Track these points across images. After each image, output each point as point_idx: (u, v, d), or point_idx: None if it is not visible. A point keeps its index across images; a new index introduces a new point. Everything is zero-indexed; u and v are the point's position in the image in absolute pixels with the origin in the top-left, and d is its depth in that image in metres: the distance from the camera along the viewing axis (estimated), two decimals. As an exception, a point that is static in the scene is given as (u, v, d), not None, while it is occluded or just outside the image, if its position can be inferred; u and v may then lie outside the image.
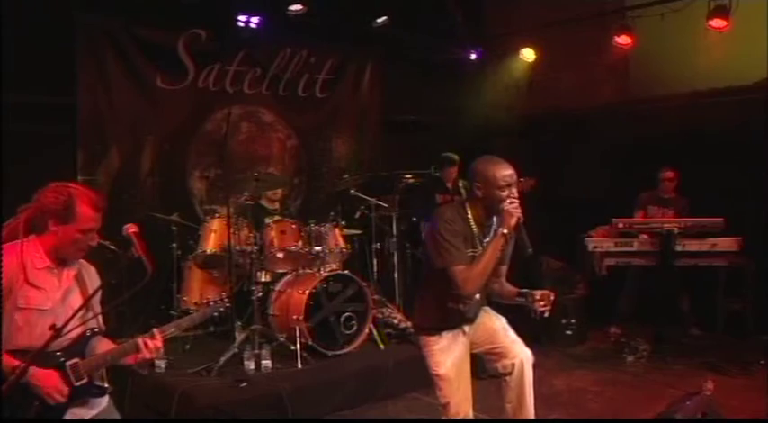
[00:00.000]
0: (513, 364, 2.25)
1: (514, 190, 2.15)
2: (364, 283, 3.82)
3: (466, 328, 2.31)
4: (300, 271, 3.88)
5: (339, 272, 3.81)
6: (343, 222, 4.18)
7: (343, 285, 3.71)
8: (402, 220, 4.60)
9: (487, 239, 2.19)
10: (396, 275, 4.40)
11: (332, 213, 4.16)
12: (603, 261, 4.23)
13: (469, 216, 2.20)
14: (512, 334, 2.31)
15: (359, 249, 4.52)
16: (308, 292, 3.57)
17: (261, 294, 3.69)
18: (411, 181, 4.75)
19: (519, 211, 2.12)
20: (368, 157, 5.50)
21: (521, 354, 2.27)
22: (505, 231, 2.12)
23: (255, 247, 3.68)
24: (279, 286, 3.81)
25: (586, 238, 4.31)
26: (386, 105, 5.58)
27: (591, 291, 4.62)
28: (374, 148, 5.53)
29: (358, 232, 4.49)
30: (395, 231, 4.55)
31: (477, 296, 2.29)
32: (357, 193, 4.50)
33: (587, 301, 4.60)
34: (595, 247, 4.25)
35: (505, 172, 2.16)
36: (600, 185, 5.10)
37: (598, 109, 5.17)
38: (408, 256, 4.63)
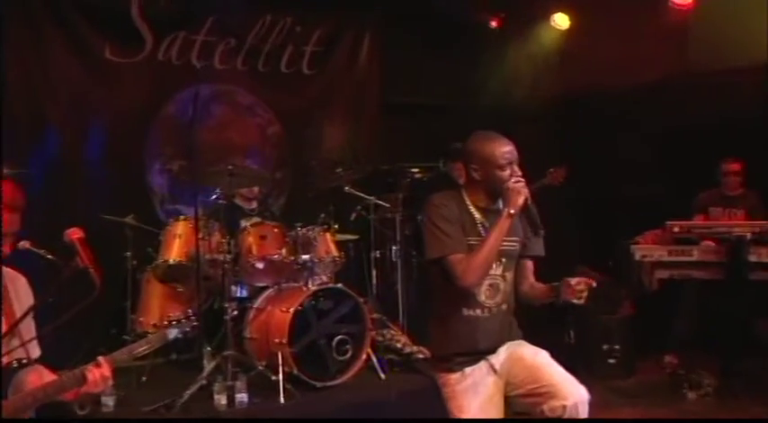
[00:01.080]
0: (564, 407, 2.19)
1: (516, 168, 2.23)
2: (361, 299, 3.82)
3: (495, 363, 2.30)
4: (284, 284, 3.90)
5: (331, 285, 3.84)
6: (335, 226, 4.20)
7: (336, 302, 3.74)
8: (407, 222, 4.62)
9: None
10: (399, 289, 4.43)
11: (322, 215, 4.19)
12: (654, 273, 4.21)
13: (468, 202, 2.28)
14: (560, 369, 2.29)
15: (355, 258, 4.58)
16: (292, 310, 3.58)
17: (235, 313, 3.71)
18: (417, 176, 4.79)
19: (525, 188, 2.20)
20: (365, 146, 5.53)
21: (574, 394, 2.21)
22: (512, 211, 2.18)
23: (229, 256, 3.69)
24: (257, 303, 3.83)
25: (632, 246, 4.29)
26: (387, 84, 5.61)
27: (638, 310, 4.58)
28: (373, 137, 5.56)
29: (354, 238, 4.54)
30: (398, 236, 4.57)
31: (502, 304, 2.30)
32: (353, 191, 4.51)
33: (634, 322, 4.56)
34: (644, 257, 4.22)
35: (504, 148, 2.24)
36: (649, 181, 5.07)
37: (647, 87, 5.12)
38: (415, 265, 4.62)
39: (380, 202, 4.60)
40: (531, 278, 2.40)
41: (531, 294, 2.37)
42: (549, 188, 4.58)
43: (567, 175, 4.52)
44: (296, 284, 3.88)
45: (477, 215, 2.28)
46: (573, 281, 2.17)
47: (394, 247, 4.59)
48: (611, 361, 4.46)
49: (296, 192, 5.24)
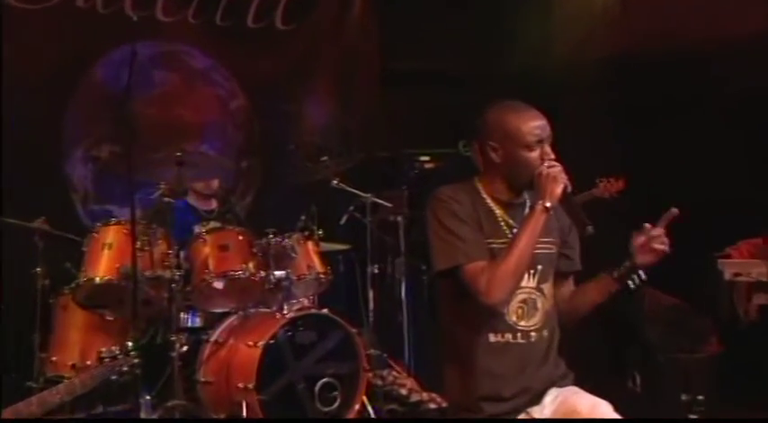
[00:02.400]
0: None
1: (549, 149, 2.27)
2: (354, 330, 3.84)
3: (537, 416, 2.31)
4: (251, 310, 3.93)
5: (314, 311, 3.88)
6: (320, 232, 4.22)
7: (320, 333, 3.76)
8: (414, 226, 4.64)
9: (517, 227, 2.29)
10: (405, 316, 4.48)
11: (302, 217, 4.23)
12: (752, 298, 4.21)
13: (484, 195, 2.32)
14: None
15: (346, 275, 4.63)
16: (262, 344, 3.59)
17: (185, 349, 3.73)
18: (428, 165, 4.86)
19: (563, 174, 2.23)
20: (359, 127, 5.58)
21: None
22: (548, 204, 2.20)
23: (178, 273, 3.71)
24: (216, 335, 3.84)
25: (721, 261, 4.30)
26: (387, 45, 5.68)
27: (729, 347, 4.54)
28: (369, 114, 5.60)
29: (344, 247, 4.59)
30: (403, 246, 4.63)
31: (543, 329, 2.33)
32: (342, 186, 4.55)
33: (723, 364, 4.51)
34: (737, 275, 4.22)
35: (534, 122, 2.27)
36: (740, 175, 5.04)
37: (738, 47, 5.07)
38: (425, 284, 4.68)
39: (379, 201, 4.63)
40: (572, 286, 2.45)
41: (578, 302, 2.41)
42: (598, 201, 4.62)
43: (624, 188, 4.55)
44: (267, 310, 3.92)
45: (497, 211, 2.32)
46: (647, 230, 2.24)
47: (397, 260, 4.66)
48: (694, 416, 4.42)
49: (268, 187, 5.27)
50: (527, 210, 2.31)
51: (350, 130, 5.54)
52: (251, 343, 3.61)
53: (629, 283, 2.30)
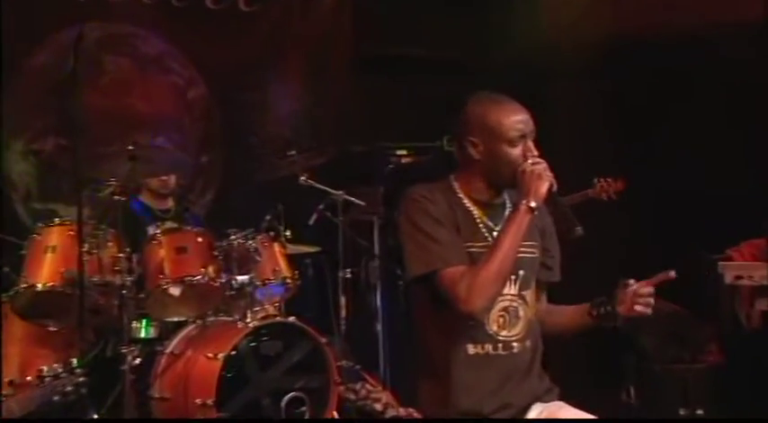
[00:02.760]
0: None
1: (531, 144, 2.29)
2: (323, 340, 3.85)
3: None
4: (210, 319, 3.93)
5: (280, 320, 3.87)
6: (287, 232, 4.24)
7: (287, 343, 3.76)
8: (390, 227, 4.64)
9: (498, 229, 2.31)
10: (380, 325, 4.47)
11: (267, 217, 4.23)
12: (755, 303, 4.21)
13: (461, 194, 2.34)
14: None
15: (315, 280, 4.66)
16: (222, 355, 3.59)
17: (138, 362, 3.72)
18: (406, 160, 4.78)
19: (548, 172, 2.24)
20: (331, 118, 5.57)
21: None
22: (532, 203, 2.22)
23: (129, 278, 3.71)
24: (172, 346, 3.83)
25: (721, 263, 4.29)
26: (362, 29, 5.64)
27: (730, 357, 4.58)
28: (341, 104, 5.59)
29: (313, 250, 4.60)
30: (377, 247, 4.61)
31: (525, 339, 2.34)
32: (312, 182, 4.56)
33: (724, 375, 4.54)
34: (738, 279, 4.21)
35: (516, 116, 2.29)
36: (742, 171, 5.08)
37: (745, 27, 5.11)
38: (402, 289, 4.61)
39: (352, 199, 4.63)
40: (545, 301, 2.47)
41: (553, 323, 2.43)
42: (593, 202, 4.65)
43: (623, 189, 4.57)
44: (228, 319, 3.92)
45: (476, 212, 2.33)
46: (636, 286, 2.24)
47: (372, 264, 4.64)
48: (692, 430, 4.50)
49: (229, 184, 5.26)
50: (507, 211, 2.33)
51: (320, 121, 5.53)
52: (210, 354, 3.61)
53: (606, 324, 2.31)
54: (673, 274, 2.23)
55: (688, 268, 4.52)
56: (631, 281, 2.25)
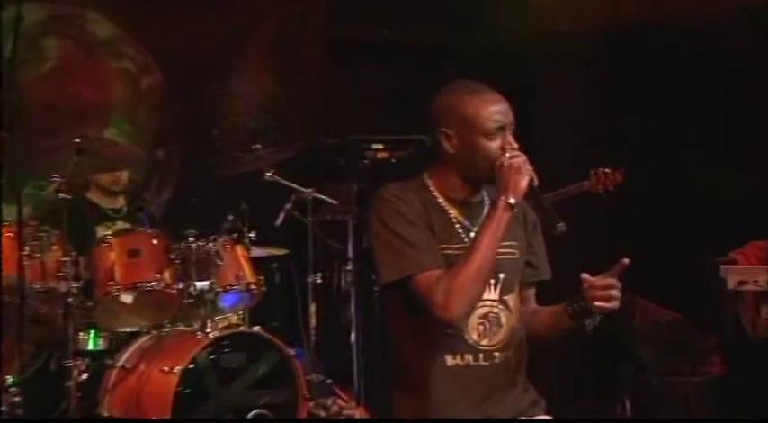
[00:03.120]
0: None
1: (511, 137, 2.31)
2: (291, 351, 3.84)
3: None
4: (167, 329, 3.94)
5: (243, 329, 3.91)
6: (251, 234, 4.24)
7: (251, 355, 3.76)
8: (365, 228, 4.56)
9: (475, 229, 2.33)
10: (354, 335, 4.45)
11: (230, 217, 4.24)
12: (761, 310, 4.23)
13: (436, 193, 2.36)
14: None
15: (282, 286, 4.65)
16: (179, 369, 3.59)
17: (85, 377, 3.69)
18: (382, 155, 4.80)
19: (528, 166, 2.27)
20: (300, 109, 5.55)
21: None
22: (511, 200, 2.24)
23: (76, 285, 3.69)
24: (123, 360, 3.83)
25: (723, 267, 4.32)
26: (335, 12, 5.63)
27: (733, 369, 4.60)
28: (312, 93, 5.59)
29: (280, 253, 4.60)
30: (351, 250, 4.60)
31: (507, 348, 2.36)
32: (279, 179, 4.55)
33: (727, 388, 4.56)
34: (742, 284, 4.24)
35: (495, 107, 2.31)
36: (747, 167, 5.12)
37: (747, 12, 5.13)
38: (377, 296, 4.62)
39: (323, 198, 4.62)
40: (534, 304, 2.49)
41: (537, 324, 2.44)
42: (588, 195, 4.64)
43: (623, 180, 4.52)
44: (186, 329, 3.94)
45: (451, 211, 2.35)
46: (592, 280, 2.25)
47: (345, 268, 4.63)
48: (692, 447, 4.53)
49: (188, 181, 5.24)
50: (486, 209, 2.34)
51: (288, 112, 5.52)
52: (166, 368, 3.59)
53: (586, 325, 2.30)
54: (626, 261, 2.22)
55: (688, 272, 4.59)
56: (585, 275, 2.25)
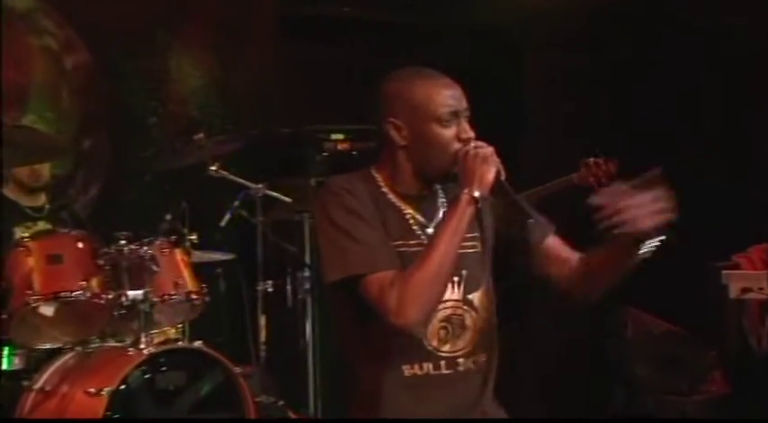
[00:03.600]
0: None
1: (466, 124, 2.36)
2: (237, 369, 3.84)
3: None
4: (94, 345, 3.92)
5: (182, 345, 3.89)
6: (193, 236, 4.25)
7: (192, 374, 3.76)
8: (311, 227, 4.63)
9: (433, 226, 2.36)
10: (311, 350, 4.44)
11: (168, 217, 4.22)
12: (766, 320, 4.28)
13: (385, 189, 2.39)
14: None
15: (228, 295, 4.62)
16: (108, 391, 3.55)
17: None
18: (342, 146, 4.78)
19: (494, 155, 2.31)
20: (249, 94, 5.57)
21: None
22: (476, 193, 2.27)
23: None
24: (42, 381, 3.78)
25: (725, 272, 4.35)
26: None
27: (737, 387, 4.65)
28: (263, 76, 5.60)
29: (226, 258, 4.62)
30: (308, 255, 4.59)
31: (475, 354, 2.38)
32: (224, 174, 4.55)
33: (729, 406, 4.61)
34: (746, 291, 4.26)
35: (446, 91, 2.36)
36: (752, 162, 5.16)
37: None
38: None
39: (276, 195, 4.61)
40: (573, 253, 2.47)
41: (596, 268, 2.40)
42: (575, 190, 4.59)
43: (616, 170, 4.49)
44: (116, 345, 3.93)
45: (404, 207, 2.38)
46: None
47: (300, 274, 4.61)
48: (691, 475, 4.58)
49: (119, 176, 5.21)
50: (440, 205, 2.38)
51: (236, 97, 5.53)
52: (93, 390, 3.54)
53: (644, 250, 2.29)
54: (658, 170, 2.26)
55: (686, 278, 4.61)
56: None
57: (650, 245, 2.29)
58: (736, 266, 4.40)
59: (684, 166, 5.23)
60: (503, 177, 2.30)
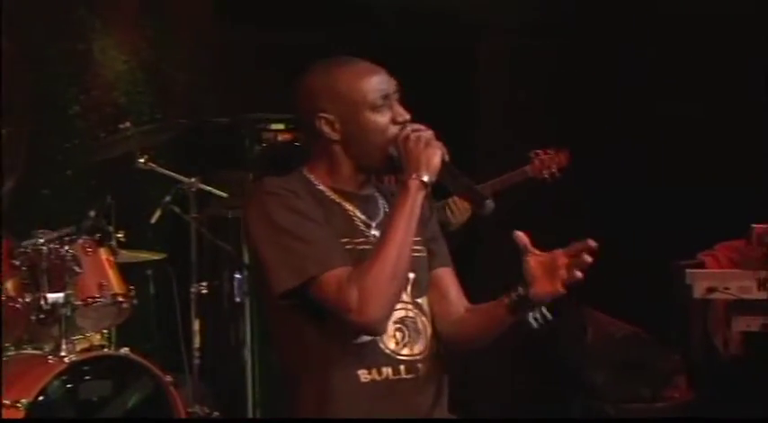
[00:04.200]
0: None
1: (400, 107, 2.39)
2: (168, 378, 3.83)
3: None
4: (11, 353, 3.90)
5: (108, 352, 3.88)
6: (119, 234, 4.23)
7: (118, 384, 3.75)
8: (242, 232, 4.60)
9: (378, 222, 2.40)
10: (249, 356, 4.42)
11: (92, 213, 4.16)
12: (732, 322, 4.30)
13: (322, 187, 2.42)
14: None
15: (158, 297, 4.62)
16: (25, 402, 3.54)
17: None
18: (283, 137, 4.76)
19: (435, 139, 2.34)
20: (181, 80, 5.55)
21: None
22: (425, 178, 2.30)
23: None
24: None
25: (689, 271, 4.38)
26: None
27: (701, 393, 4.70)
28: (196, 61, 5.59)
29: (156, 257, 4.60)
30: (246, 254, 4.51)
31: (429, 358, 2.40)
32: (154, 167, 4.55)
33: (694, 415, 4.67)
34: (711, 290, 4.30)
35: (374, 76, 2.40)
36: (717, 154, 5.20)
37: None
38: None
39: (210, 189, 4.61)
40: (461, 298, 2.51)
41: (468, 325, 2.46)
42: (529, 183, 4.67)
43: (569, 161, 4.56)
44: (35, 352, 3.90)
45: (346, 205, 2.41)
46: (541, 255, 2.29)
47: (237, 275, 4.59)
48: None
49: (38, 168, 5.12)
50: (381, 206, 2.42)
51: (166, 83, 5.49)
52: (8, 402, 3.53)
53: (531, 320, 2.32)
54: (594, 244, 2.24)
55: (649, 278, 4.65)
56: (525, 244, 2.29)
57: (538, 318, 2.32)
58: (702, 265, 4.45)
59: (648, 159, 5.33)
60: (447, 159, 2.33)
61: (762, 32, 5.06)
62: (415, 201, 2.28)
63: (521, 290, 2.29)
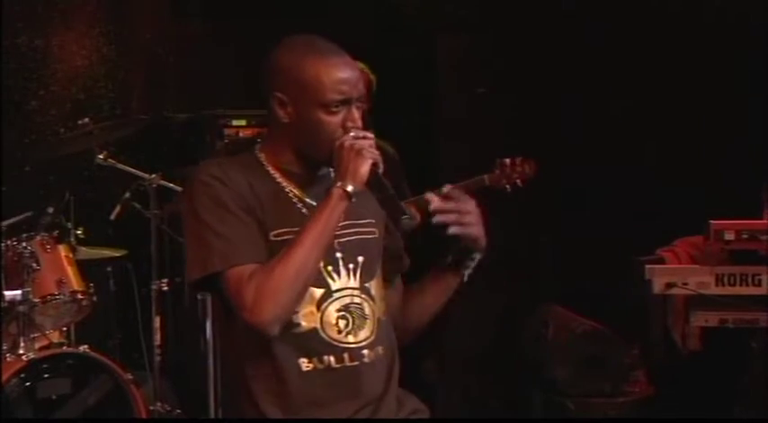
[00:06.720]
0: None
1: (356, 113, 2.36)
2: (129, 376, 3.83)
3: None
4: None
5: (67, 350, 3.86)
6: (78, 231, 4.25)
7: (77, 382, 3.74)
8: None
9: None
10: (211, 353, 4.42)
11: (50, 210, 4.18)
12: (690, 318, 4.31)
13: (270, 168, 2.40)
14: None
15: (118, 294, 4.59)
16: None
17: None
18: (245, 133, 4.79)
19: (373, 149, 2.32)
20: (140, 75, 5.53)
21: None
22: (349, 187, 2.28)
23: None
24: None
25: (649, 267, 4.38)
26: None
27: (661, 389, 4.73)
28: (156, 55, 5.56)
29: (116, 254, 4.59)
30: None
31: (377, 345, 2.40)
32: (114, 163, 4.52)
33: (654, 408, 4.69)
34: (670, 286, 4.31)
35: (341, 73, 2.34)
36: (677, 152, 5.24)
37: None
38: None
39: (171, 186, 4.57)
40: (400, 289, 2.56)
41: (410, 313, 2.52)
42: (502, 190, 4.59)
43: (536, 172, 4.47)
44: None
45: (289, 188, 2.39)
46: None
47: None
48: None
49: None
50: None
51: (125, 78, 5.45)
52: None
53: (465, 269, 2.41)
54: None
55: (609, 274, 4.68)
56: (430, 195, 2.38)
57: (473, 261, 2.41)
58: (661, 261, 4.46)
59: (608, 158, 5.36)
60: (380, 170, 2.30)
61: (717, 29, 5.11)
62: (333, 210, 2.27)
63: (455, 246, 2.34)
